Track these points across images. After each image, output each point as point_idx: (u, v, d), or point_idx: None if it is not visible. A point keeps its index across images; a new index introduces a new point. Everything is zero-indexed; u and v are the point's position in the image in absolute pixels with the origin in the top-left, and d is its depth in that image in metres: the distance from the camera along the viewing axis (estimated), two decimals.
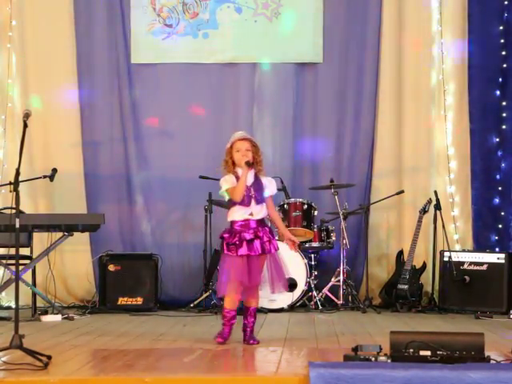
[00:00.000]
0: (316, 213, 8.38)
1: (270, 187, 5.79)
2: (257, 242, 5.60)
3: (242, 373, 4.56)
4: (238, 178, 5.67)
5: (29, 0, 8.92)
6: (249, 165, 5.63)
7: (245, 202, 5.65)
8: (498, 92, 8.84)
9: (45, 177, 7.95)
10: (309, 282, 8.09)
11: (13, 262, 5.46)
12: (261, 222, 5.69)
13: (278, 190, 7.49)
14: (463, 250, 8.45)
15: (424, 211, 8.33)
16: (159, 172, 8.96)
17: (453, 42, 8.83)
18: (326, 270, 8.57)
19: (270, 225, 5.94)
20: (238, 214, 5.69)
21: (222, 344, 5.59)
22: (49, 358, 4.74)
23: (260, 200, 5.68)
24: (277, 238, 6.08)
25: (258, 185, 5.71)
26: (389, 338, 4.57)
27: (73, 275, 8.75)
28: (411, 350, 4.49)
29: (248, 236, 5.61)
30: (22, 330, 4.98)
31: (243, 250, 5.59)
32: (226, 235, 5.70)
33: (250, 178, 5.69)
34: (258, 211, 5.67)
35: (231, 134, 8.86)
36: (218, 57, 8.97)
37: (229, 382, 4.37)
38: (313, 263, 8.34)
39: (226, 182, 5.69)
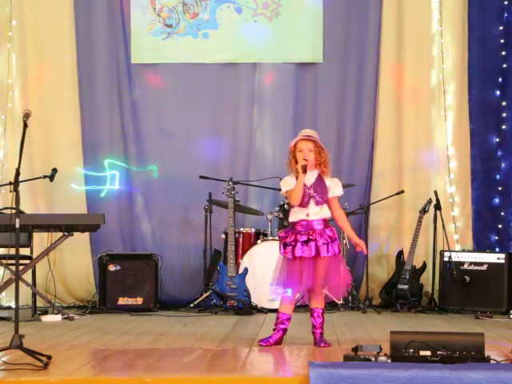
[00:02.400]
0: None
1: (334, 188, 5.67)
2: (312, 245, 5.52)
3: (242, 373, 4.56)
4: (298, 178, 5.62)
5: (29, 0, 8.91)
6: (304, 170, 5.55)
7: (303, 203, 5.58)
8: (497, 92, 8.84)
9: (45, 177, 7.95)
10: None
11: (13, 261, 5.46)
12: (320, 224, 5.59)
13: (279, 189, 7.49)
14: (463, 250, 8.45)
15: (424, 211, 8.33)
16: (159, 172, 8.96)
17: (453, 41, 8.82)
18: None
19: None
20: (295, 215, 5.62)
21: (263, 347, 5.53)
22: (49, 358, 4.74)
23: (320, 201, 5.59)
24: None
25: (319, 185, 5.62)
26: (389, 338, 4.57)
27: (73, 275, 8.74)
28: (411, 350, 4.49)
29: (302, 238, 5.55)
30: (22, 330, 4.99)
31: (297, 252, 5.52)
32: (282, 234, 5.67)
33: (310, 178, 5.62)
34: (315, 212, 5.58)
35: (231, 134, 9.02)
36: (218, 57, 8.97)
37: (229, 381, 4.37)
38: None
39: (286, 185, 5.65)
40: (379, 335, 6.01)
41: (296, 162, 5.64)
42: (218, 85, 9.00)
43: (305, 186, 5.59)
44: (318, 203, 5.60)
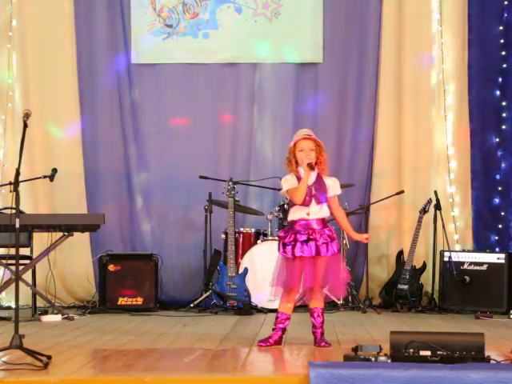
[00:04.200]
0: None
1: (334, 187, 5.69)
2: (311, 244, 5.53)
3: (242, 373, 4.56)
4: (299, 178, 5.60)
5: (29, 0, 8.91)
6: (311, 167, 5.56)
7: (305, 202, 5.58)
8: (497, 92, 8.84)
9: (45, 177, 7.94)
10: None
11: (13, 261, 5.46)
12: (319, 223, 5.60)
13: (279, 189, 7.50)
14: (463, 250, 8.45)
15: (424, 211, 8.33)
16: (159, 172, 8.97)
17: (453, 42, 8.82)
18: None
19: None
20: (296, 213, 5.63)
21: (263, 347, 5.53)
22: (49, 358, 4.74)
23: (321, 200, 5.60)
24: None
25: (319, 185, 5.62)
26: (389, 338, 4.57)
27: (73, 275, 8.74)
28: (411, 350, 4.49)
29: (302, 237, 5.56)
30: (22, 330, 4.99)
31: (297, 252, 5.53)
32: (281, 234, 5.68)
33: (312, 178, 5.62)
34: (316, 211, 5.59)
35: (231, 134, 9.02)
36: (218, 57, 8.97)
37: (229, 381, 4.37)
38: None
39: (287, 183, 5.64)
40: (379, 335, 6.01)
41: (296, 162, 5.64)
42: (218, 85, 9.00)
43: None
44: (318, 202, 5.61)
